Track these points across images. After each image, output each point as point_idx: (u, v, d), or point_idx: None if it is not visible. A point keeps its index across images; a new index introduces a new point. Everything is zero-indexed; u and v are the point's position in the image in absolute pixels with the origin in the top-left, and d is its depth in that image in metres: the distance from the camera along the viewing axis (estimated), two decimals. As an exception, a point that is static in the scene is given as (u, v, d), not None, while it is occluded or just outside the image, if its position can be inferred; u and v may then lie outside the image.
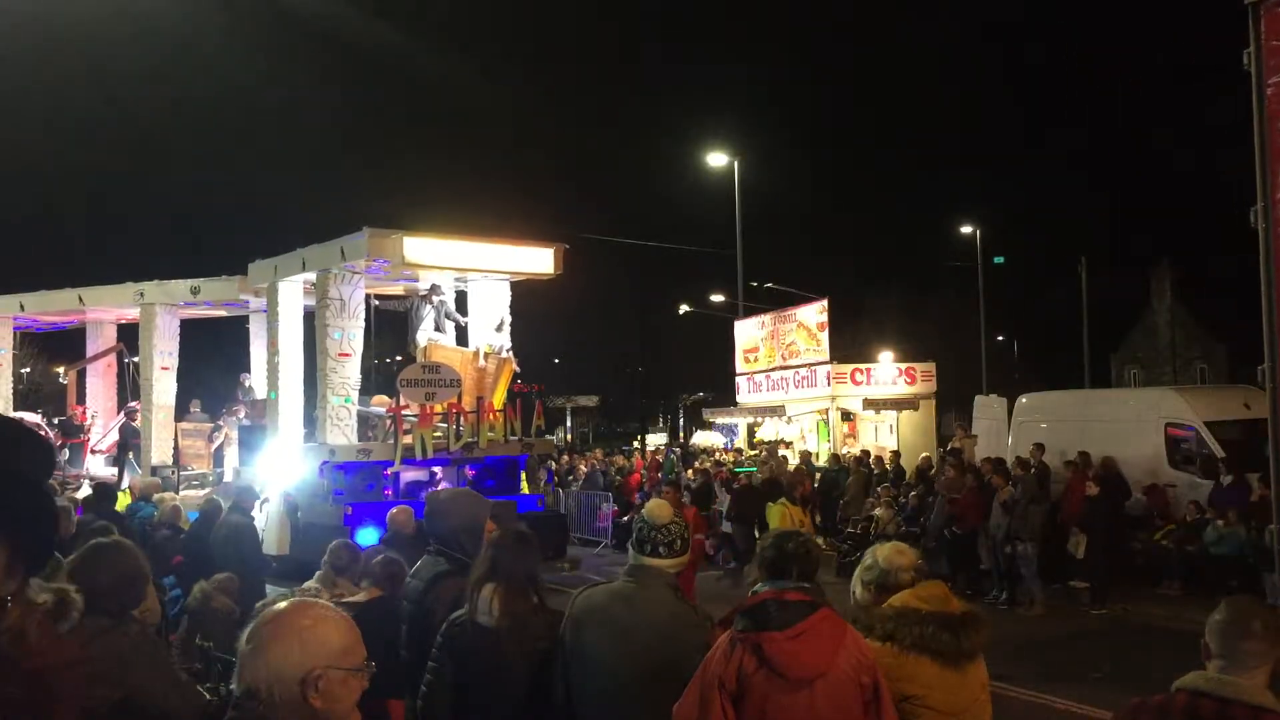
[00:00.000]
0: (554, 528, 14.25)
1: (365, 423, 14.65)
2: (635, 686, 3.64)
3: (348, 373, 14.10)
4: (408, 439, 13.22)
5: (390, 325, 15.84)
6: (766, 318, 28.69)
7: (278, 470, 14.52)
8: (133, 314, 18.06)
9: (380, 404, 15.14)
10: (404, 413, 13.51)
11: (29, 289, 18.83)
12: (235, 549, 9.13)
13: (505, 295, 15.46)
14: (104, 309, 18.77)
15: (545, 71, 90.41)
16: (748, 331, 29.05)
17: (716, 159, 31.35)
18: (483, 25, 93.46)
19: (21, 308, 18.74)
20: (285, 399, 15.05)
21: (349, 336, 14.11)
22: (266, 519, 14.15)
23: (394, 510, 7.76)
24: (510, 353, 15.26)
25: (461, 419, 13.72)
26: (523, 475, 15.11)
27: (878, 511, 16.58)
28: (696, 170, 33.82)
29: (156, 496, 11.49)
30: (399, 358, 25.39)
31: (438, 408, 13.66)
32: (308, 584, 6.42)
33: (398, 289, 16.04)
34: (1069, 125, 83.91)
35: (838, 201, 76.87)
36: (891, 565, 3.88)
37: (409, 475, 13.69)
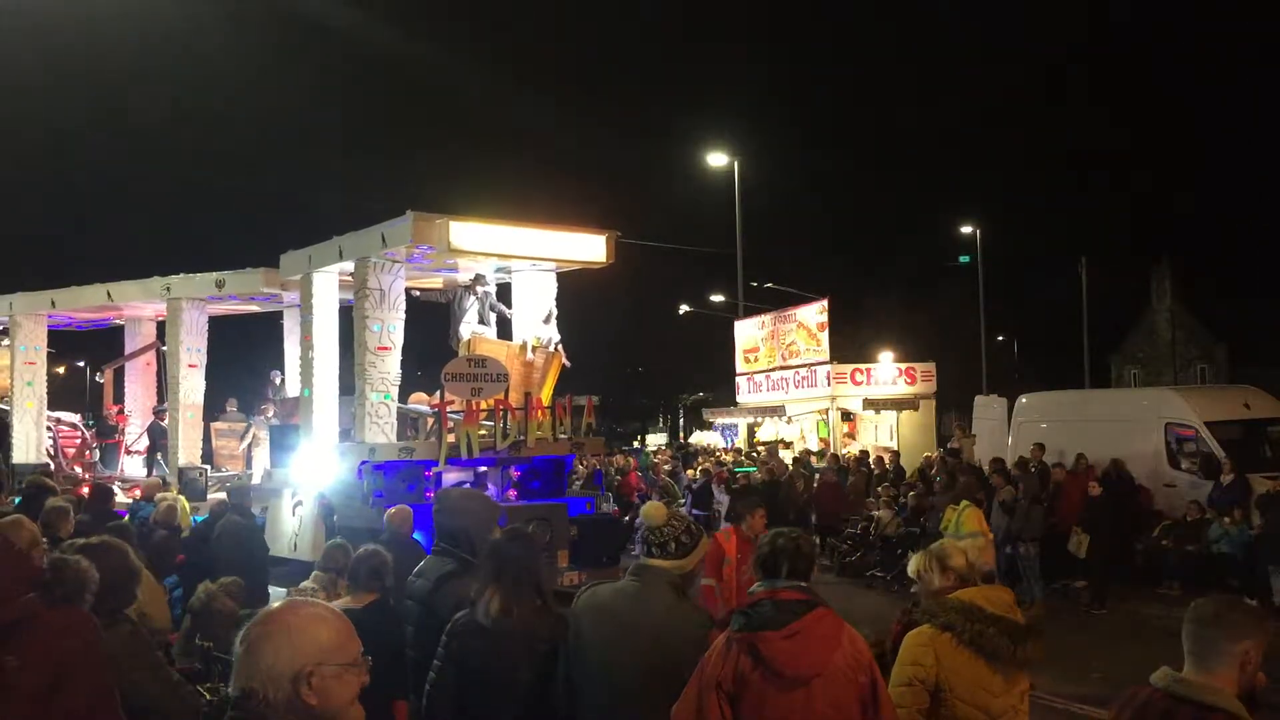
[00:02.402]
0: (607, 532, 13.24)
1: (404, 421, 13.96)
2: (635, 685, 3.65)
3: (387, 367, 13.34)
4: (451, 437, 12.42)
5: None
6: (766, 318, 28.73)
7: (312, 471, 13.85)
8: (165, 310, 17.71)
9: (419, 401, 14.46)
10: (448, 410, 12.70)
11: (61, 286, 18.66)
12: (238, 550, 9.14)
13: (551, 286, 14.64)
14: (138, 305, 18.48)
15: (543, 70, 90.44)
16: (748, 331, 29.07)
17: (716, 159, 31.39)
18: (479, 24, 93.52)
19: (53, 304, 18.52)
20: (319, 396, 14.32)
21: (389, 329, 13.35)
22: (300, 522, 13.62)
23: (391, 510, 7.70)
24: (560, 346, 14.50)
25: (509, 416, 12.86)
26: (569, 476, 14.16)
27: (878, 511, 16.60)
28: (696, 170, 33.87)
29: (159, 496, 11.49)
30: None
31: (484, 404, 12.85)
32: (304, 584, 6.42)
33: (436, 281, 15.26)
34: (1069, 124, 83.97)
35: (838, 201, 76.86)
36: (978, 561, 4.05)
37: (452, 476, 12.92)
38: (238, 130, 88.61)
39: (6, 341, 19.21)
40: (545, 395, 13.86)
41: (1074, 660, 10.03)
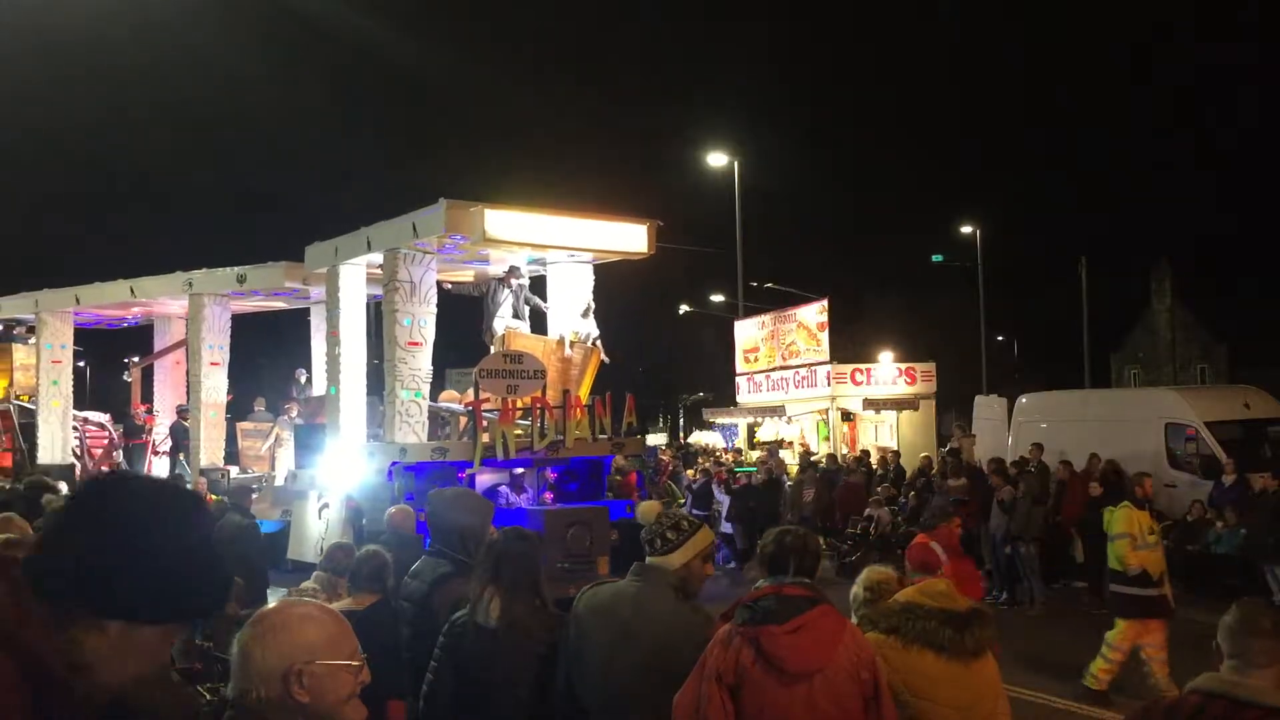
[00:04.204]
0: None
1: (434, 420, 13.33)
2: (636, 684, 3.64)
3: (418, 364, 12.71)
4: (485, 437, 11.84)
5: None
6: (766, 318, 28.72)
7: (339, 472, 13.21)
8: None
9: (450, 399, 13.88)
10: (484, 408, 12.10)
11: (86, 282, 18.47)
12: (237, 550, 9.13)
13: (588, 278, 14.03)
14: (165, 302, 18.16)
15: (544, 68, 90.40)
16: (748, 331, 29.06)
17: (716, 159, 31.37)
18: (479, 23, 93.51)
19: (77, 300, 18.27)
20: (347, 394, 13.69)
21: (420, 323, 12.71)
22: (327, 525, 13.09)
23: (392, 510, 7.62)
24: (598, 341, 13.84)
25: (547, 414, 12.21)
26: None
27: (877, 511, 16.57)
28: (696, 170, 33.85)
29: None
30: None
31: (520, 402, 12.32)
32: (305, 584, 6.41)
33: (467, 274, 14.56)
34: (1070, 124, 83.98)
35: (838, 201, 76.89)
36: (874, 583, 4.14)
37: (486, 478, 12.43)
38: (259, 128, 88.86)
39: (33, 339, 19.04)
40: (583, 393, 13.34)
41: (1074, 660, 10.03)
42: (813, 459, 20.70)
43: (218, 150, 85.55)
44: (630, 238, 13.39)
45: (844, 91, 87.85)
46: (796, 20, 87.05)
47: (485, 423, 11.99)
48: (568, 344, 13.75)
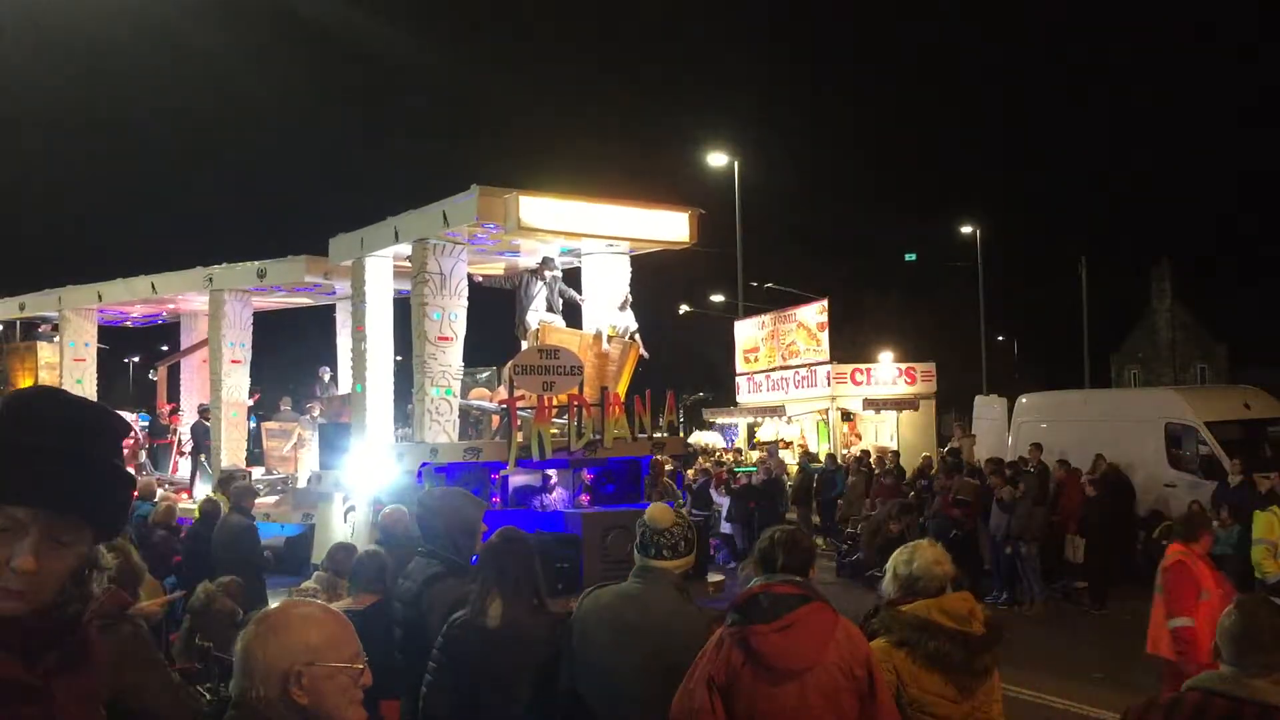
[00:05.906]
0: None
1: (465, 418, 12.83)
2: (639, 686, 3.64)
3: (449, 359, 12.19)
4: (520, 436, 11.34)
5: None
6: (766, 318, 28.73)
7: (366, 473, 12.67)
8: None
9: (479, 397, 13.30)
10: (519, 406, 11.58)
11: (108, 279, 18.26)
12: (236, 550, 9.14)
13: (625, 270, 13.47)
14: (189, 298, 17.91)
15: (543, 67, 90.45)
16: (748, 331, 29.07)
17: (716, 159, 31.35)
18: (480, 19, 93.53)
19: (99, 297, 18.09)
20: (373, 392, 13.19)
21: (450, 317, 12.20)
22: (353, 529, 12.48)
23: (386, 510, 7.53)
24: (637, 336, 13.24)
25: (584, 413, 11.67)
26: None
27: (876, 512, 16.58)
28: (696, 170, 33.84)
29: (159, 497, 11.47)
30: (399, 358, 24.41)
31: (557, 400, 11.79)
32: (306, 584, 6.42)
33: (497, 266, 14.03)
34: (1070, 124, 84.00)
35: (838, 202, 76.91)
36: (928, 574, 3.89)
37: (518, 479, 12.03)
38: (275, 127, 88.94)
39: (57, 337, 18.92)
40: (621, 389, 12.79)
41: (1074, 660, 10.04)
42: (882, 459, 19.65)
43: (232, 152, 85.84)
44: (671, 226, 12.73)
45: (844, 91, 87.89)
46: (797, 19, 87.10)
47: (519, 421, 11.46)
48: (605, 338, 13.22)
